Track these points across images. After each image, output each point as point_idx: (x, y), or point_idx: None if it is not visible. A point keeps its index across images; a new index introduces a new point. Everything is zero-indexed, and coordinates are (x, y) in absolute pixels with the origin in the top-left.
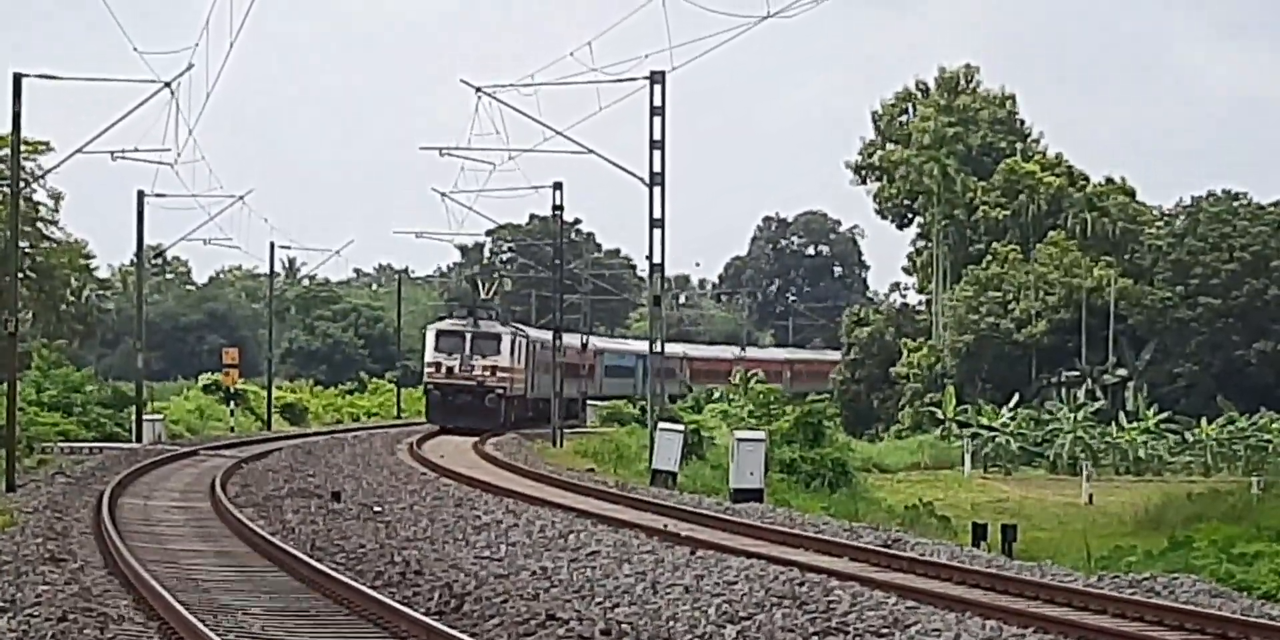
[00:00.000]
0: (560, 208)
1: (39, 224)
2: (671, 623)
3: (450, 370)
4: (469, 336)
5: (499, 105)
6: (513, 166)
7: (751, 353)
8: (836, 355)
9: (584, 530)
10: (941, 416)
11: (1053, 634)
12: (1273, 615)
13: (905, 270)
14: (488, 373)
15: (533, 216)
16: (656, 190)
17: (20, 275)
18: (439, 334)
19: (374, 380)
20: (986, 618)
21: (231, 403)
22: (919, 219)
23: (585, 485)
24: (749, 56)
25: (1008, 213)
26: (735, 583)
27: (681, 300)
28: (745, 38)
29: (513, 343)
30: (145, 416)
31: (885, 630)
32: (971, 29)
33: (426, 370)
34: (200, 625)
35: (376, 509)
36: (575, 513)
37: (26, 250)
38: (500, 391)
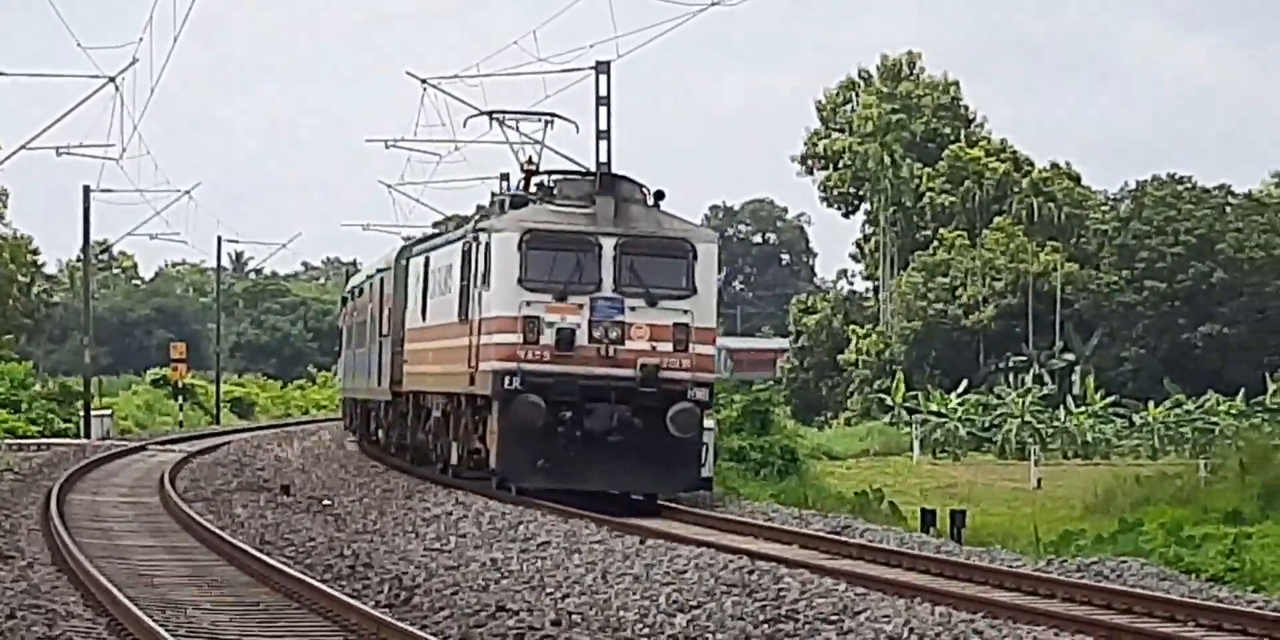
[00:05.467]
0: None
1: None
2: (622, 612)
3: None
4: None
5: (445, 97)
6: (459, 158)
7: None
8: (779, 342)
9: (534, 521)
10: (890, 403)
11: (1002, 619)
12: (1220, 598)
13: (853, 257)
14: None
15: (480, 207)
16: None
17: None
18: None
19: (323, 373)
20: (936, 603)
21: (180, 397)
22: (865, 206)
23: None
24: (694, 45)
25: (954, 199)
26: (685, 572)
27: None
28: (691, 26)
29: None
30: (93, 412)
31: (835, 617)
32: (915, 16)
33: None
34: (149, 621)
35: (326, 502)
36: (525, 503)
37: None
38: None
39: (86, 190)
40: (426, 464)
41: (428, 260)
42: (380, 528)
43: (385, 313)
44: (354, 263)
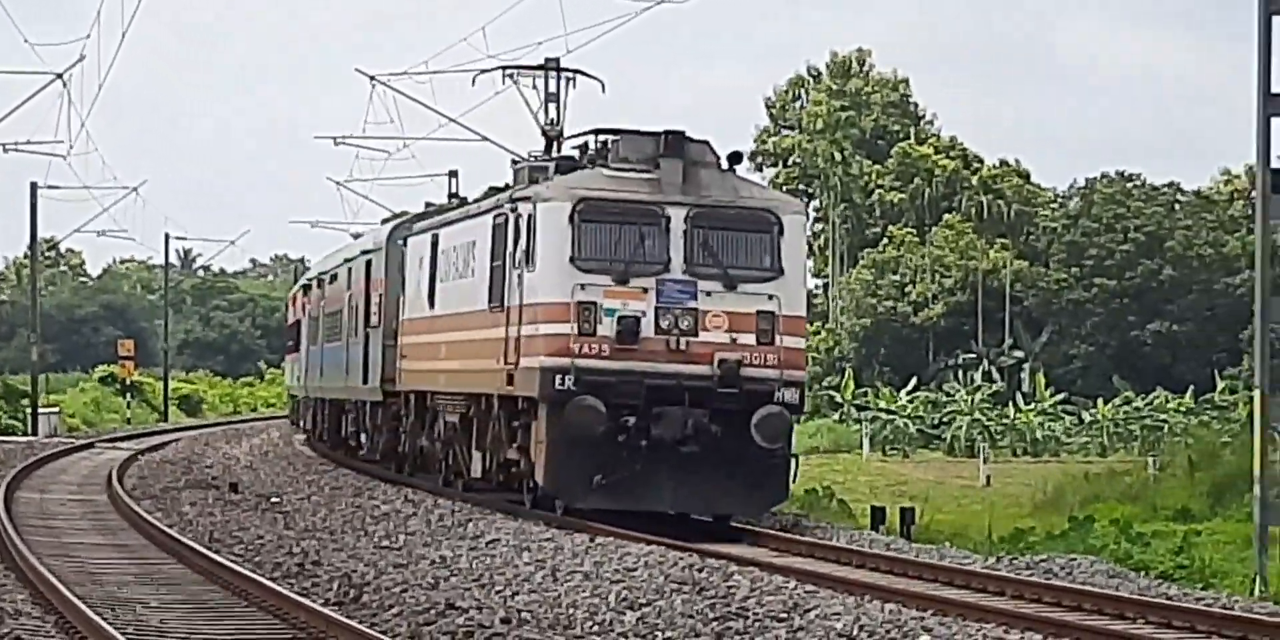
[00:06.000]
0: (456, 195)
1: None
2: (571, 610)
3: None
4: None
5: (394, 94)
6: (408, 155)
7: None
8: None
9: (483, 519)
10: (840, 400)
11: (951, 616)
12: (1169, 595)
13: None
14: None
15: (429, 204)
16: None
17: None
18: None
19: (271, 370)
20: (886, 601)
21: (128, 395)
22: (814, 203)
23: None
24: (643, 42)
25: (903, 196)
26: (634, 569)
27: None
28: (639, 23)
29: None
30: (40, 409)
31: (784, 615)
32: (864, 13)
33: None
34: (98, 618)
35: (274, 500)
36: (473, 502)
37: None
38: None
39: (34, 186)
40: (424, 474)
41: (435, 239)
42: (329, 525)
43: (374, 301)
44: (302, 260)
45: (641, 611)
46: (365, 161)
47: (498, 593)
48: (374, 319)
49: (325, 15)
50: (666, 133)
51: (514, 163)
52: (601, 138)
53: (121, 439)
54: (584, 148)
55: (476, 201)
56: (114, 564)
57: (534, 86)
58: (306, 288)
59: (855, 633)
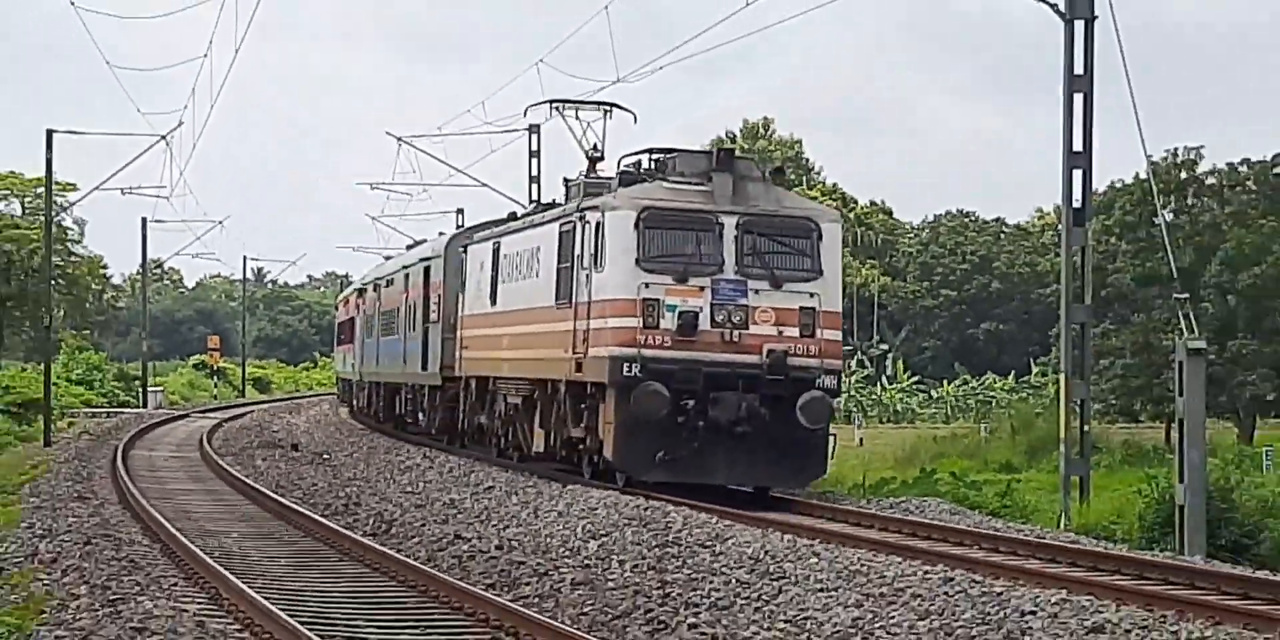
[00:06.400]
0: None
1: (67, 244)
2: (548, 539)
3: None
4: None
5: (415, 151)
6: (426, 196)
7: None
8: None
9: (482, 471)
10: None
11: (834, 543)
12: (996, 527)
13: None
14: None
15: (441, 234)
16: None
17: (53, 282)
18: None
19: (323, 359)
20: (784, 533)
21: (214, 377)
22: None
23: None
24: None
25: None
26: (596, 509)
27: None
28: (601, 97)
29: None
30: (149, 389)
31: (709, 542)
32: (771, 91)
33: None
34: (191, 545)
35: (325, 456)
36: (474, 458)
37: (58, 264)
38: None
39: (144, 221)
40: (478, 447)
41: (498, 246)
42: (366, 475)
43: (433, 300)
44: (347, 275)
45: (601, 540)
46: (393, 202)
47: (493, 526)
48: (433, 315)
49: (367, 88)
50: (718, 150)
51: (566, 181)
52: (654, 155)
53: (209, 410)
54: (635, 165)
55: (533, 214)
56: (204, 505)
57: (576, 117)
58: (361, 292)
59: (761, 555)
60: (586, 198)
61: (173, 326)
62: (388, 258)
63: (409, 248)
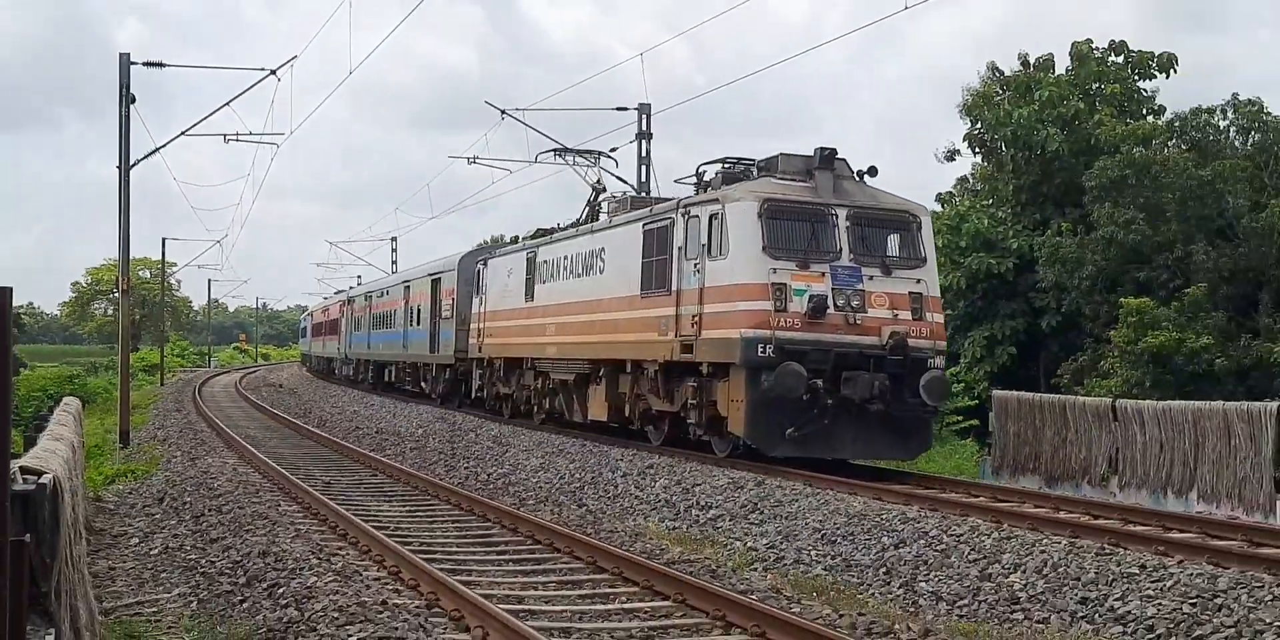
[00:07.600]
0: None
1: (171, 291)
2: (400, 428)
3: None
4: None
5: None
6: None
7: None
8: None
9: (391, 404)
10: None
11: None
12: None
13: None
14: None
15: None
16: None
17: (164, 310)
18: None
19: (293, 344)
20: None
21: (243, 353)
22: None
23: (408, 391)
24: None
25: None
26: (424, 416)
27: None
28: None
29: None
30: (210, 358)
31: (498, 438)
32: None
33: None
34: (232, 433)
35: (295, 391)
36: (391, 398)
37: (167, 301)
38: None
39: (209, 282)
40: (478, 409)
41: (533, 255)
42: (318, 399)
43: (444, 303)
44: (305, 306)
45: (425, 429)
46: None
47: (374, 423)
48: (445, 314)
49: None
50: (820, 150)
51: (609, 198)
52: (742, 160)
53: (239, 370)
54: (700, 176)
55: (570, 227)
56: (236, 413)
57: (575, 161)
58: (349, 302)
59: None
60: (715, 189)
61: (222, 330)
62: (338, 292)
63: (336, 292)
